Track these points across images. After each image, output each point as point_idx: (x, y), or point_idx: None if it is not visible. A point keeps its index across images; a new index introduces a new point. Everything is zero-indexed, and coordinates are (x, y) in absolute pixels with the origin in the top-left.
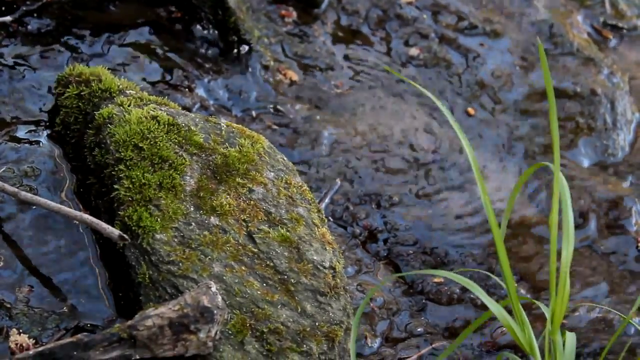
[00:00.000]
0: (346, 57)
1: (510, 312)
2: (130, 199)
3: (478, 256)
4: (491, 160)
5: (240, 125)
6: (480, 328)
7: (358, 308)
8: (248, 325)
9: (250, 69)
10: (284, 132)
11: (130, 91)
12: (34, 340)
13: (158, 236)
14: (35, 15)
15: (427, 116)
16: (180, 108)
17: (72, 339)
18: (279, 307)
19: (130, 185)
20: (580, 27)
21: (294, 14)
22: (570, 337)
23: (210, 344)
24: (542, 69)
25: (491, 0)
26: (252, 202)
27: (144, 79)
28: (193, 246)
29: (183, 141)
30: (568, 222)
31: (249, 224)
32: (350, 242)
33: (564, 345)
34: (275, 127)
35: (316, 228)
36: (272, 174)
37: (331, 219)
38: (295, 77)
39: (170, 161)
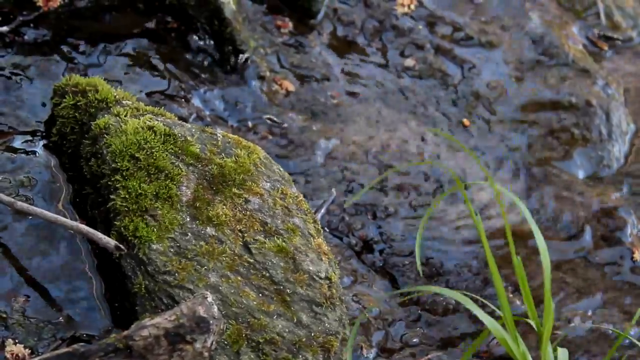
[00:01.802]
0: (342, 68)
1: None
2: (126, 209)
3: (474, 267)
4: (487, 170)
5: (236, 136)
6: (476, 339)
7: (354, 319)
8: (244, 335)
9: (246, 80)
10: (280, 143)
11: (127, 101)
12: (29, 351)
13: (154, 246)
14: (31, 25)
15: (423, 127)
16: (176, 118)
17: (68, 349)
18: (274, 317)
19: (127, 196)
20: (576, 38)
21: (290, 24)
22: (562, 354)
23: (206, 354)
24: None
25: (487, 12)
26: (248, 212)
27: (140, 90)
28: (189, 256)
29: (179, 151)
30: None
31: (245, 235)
32: (346, 252)
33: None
34: (271, 137)
35: (312, 238)
36: (268, 184)
37: (327, 230)
38: (291, 88)
39: (167, 171)
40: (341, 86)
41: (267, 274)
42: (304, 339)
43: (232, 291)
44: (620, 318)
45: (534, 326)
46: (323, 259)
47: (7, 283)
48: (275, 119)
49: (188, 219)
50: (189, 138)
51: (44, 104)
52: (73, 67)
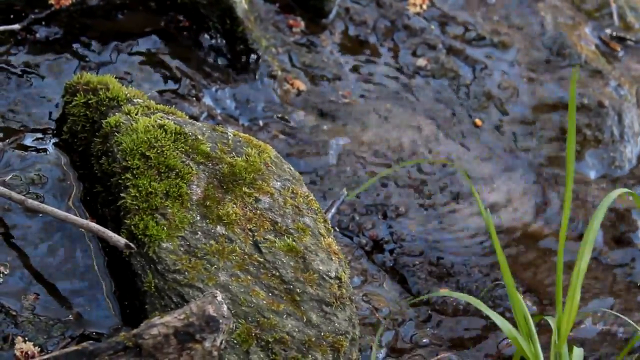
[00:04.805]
0: (354, 67)
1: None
2: (136, 207)
3: (484, 267)
4: (499, 171)
5: (247, 135)
6: (486, 339)
7: (364, 319)
8: (253, 334)
9: (257, 79)
10: (290, 142)
11: (138, 100)
12: (39, 348)
13: (164, 245)
14: (43, 23)
15: (434, 127)
16: (187, 117)
17: (77, 347)
18: (284, 316)
19: (137, 194)
20: (588, 39)
21: (302, 23)
22: (578, 353)
23: (215, 353)
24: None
25: (499, 12)
26: (258, 211)
27: (151, 88)
28: (199, 255)
29: (190, 150)
30: (589, 238)
31: (255, 234)
32: (356, 252)
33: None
34: (282, 136)
35: (322, 238)
36: (278, 183)
37: (337, 229)
38: (302, 87)
39: (177, 170)
40: (352, 86)
41: (277, 273)
42: (313, 339)
43: (242, 290)
44: (632, 319)
45: (551, 323)
46: (333, 258)
47: (17, 281)
48: (286, 117)
49: (198, 218)
50: (199, 137)
51: (55, 102)
52: (84, 65)
